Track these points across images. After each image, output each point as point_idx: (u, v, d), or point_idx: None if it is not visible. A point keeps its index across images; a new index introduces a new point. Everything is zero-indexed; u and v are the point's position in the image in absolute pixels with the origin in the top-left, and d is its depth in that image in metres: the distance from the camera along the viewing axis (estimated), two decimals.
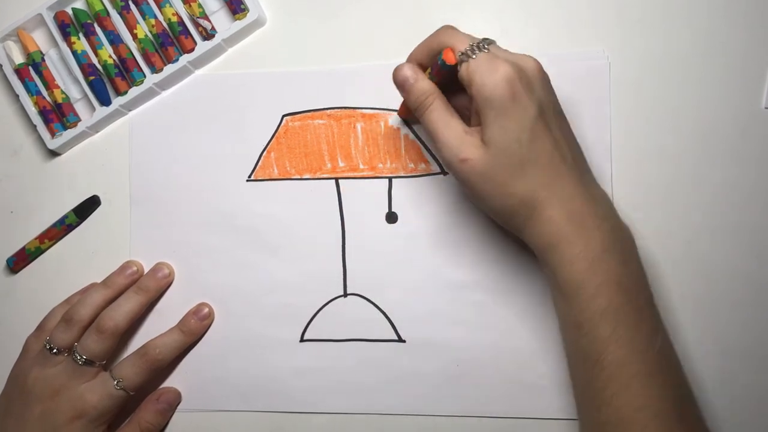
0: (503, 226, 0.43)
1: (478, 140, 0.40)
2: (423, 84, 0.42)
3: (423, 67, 0.43)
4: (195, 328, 0.50)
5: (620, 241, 0.41)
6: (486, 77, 0.38)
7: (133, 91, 0.51)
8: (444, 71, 0.41)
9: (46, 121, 0.52)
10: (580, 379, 0.40)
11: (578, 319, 0.39)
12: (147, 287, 0.50)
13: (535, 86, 0.40)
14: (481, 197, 0.41)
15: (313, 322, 0.50)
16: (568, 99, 0.48)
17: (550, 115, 0.40)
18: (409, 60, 0.44)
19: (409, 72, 0.43)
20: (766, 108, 0.47)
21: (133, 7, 0.52)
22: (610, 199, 0.43)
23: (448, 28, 0.42)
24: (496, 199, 0.40)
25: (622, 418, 0.37)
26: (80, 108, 0.53)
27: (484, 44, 0.40)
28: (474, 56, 0.39)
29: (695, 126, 0.48)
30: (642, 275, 0.41)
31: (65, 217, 0.53)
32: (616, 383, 0.37)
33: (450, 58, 0.40)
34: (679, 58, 0.48)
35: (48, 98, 0.53)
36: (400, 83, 0.43)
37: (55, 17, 0.52)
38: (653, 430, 0.36)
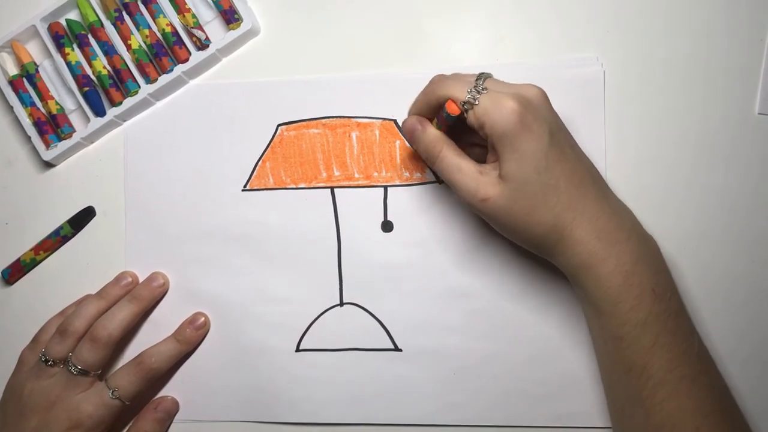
0: (535, 253, 0.43)
1: (495, 177, 0.41)
2: (430, 134, 0.43)
3: (427, 118, 0.44)
4: (191, 338, 0.50)
5: (649, 249, 0.41)
6: (494, 116, 0.39)
7: (128, 102, 0.51)
8: (450, 122, 0.42)
9: (41, 133, 0.52)
10: (623, 388, 0.40)
11: (618, 332, 0.39)
12: (141, 296, 0.50)
13: (542, 113, 0.40)
14: (508, 230, 0.42)
15: (309, 331, 0.50)
16: (562, 106, 0.48)
17: (561, 137, 0.41)
18: (410, 114, 0.45)
19: (415, 123, 0.44)
20: (759, 114, 0.47)
21: (127, 17, 0.52)
22: (630, 209, 0.43)
23: (441, 79, 0.43)
24: (523, 229, 0.41)
25: (675, 422, 0.38)
26: (75, 119, 0.53)
27: (481, 84, 0.41)
28: (476, 102, 0.40)
29: (689, 132, 0.48)
30: (671, 280, 0.42)
31: (60, 228, 0.52)
32: (665, 389, 0.38)
33: (454, 110, 0.41)
34: (672, 65, 0.48)
35: (42, 109, 0.53)
36: (408, 135, 0.45)
37: (49, 28, 0.52)
38: (706, 429, 0.38)
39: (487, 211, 0.41)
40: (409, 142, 0.45)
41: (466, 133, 0.43)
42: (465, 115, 0.41)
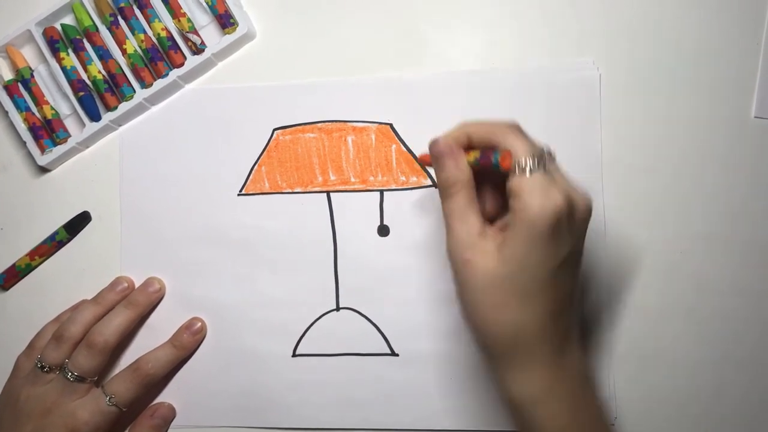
0: (481, 352, 0.40)
1: (492, 247, 0.37)
2: (460, 168, 0.38)
3: (464, 146, 0.39)
4: (187, 343, 0.50)
5: (589, 385, 0.40)
6: (535, 201, 0.35)
7: (123, 107, 0.51)
8: (492, 170, 0.38)
9: (36, 138, 0.52)
10: None
11: None
12: (137, 302, 0.50)
13: (578, 228, 0.37)
14: (470, 309, 0.38)
15: (305, 336, 0.50)
16: (558, 110, 0.48)
17: (573, 261, 0.38)
18: (461, 129, 0.39)
19: (451, 149, 0.39)
20: (755, 117, 0.47)
21: (122, 22, 0.52)
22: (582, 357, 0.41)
23: (511, 128, 0.38)
24: (484, 318, 0.37)
25: None
26: (70, 124, 0.53)
27: (545, 160, 0.36)
28: (530, 173, 0.36)
29: (686, 136, 0.48)
30: (602, 412, 0.40)
31: (56, 233, 0.52)
32: None
33: (506, 165, 0.37)
34: (668, 69, 0.48)
35: (37, 114, 0.53)
36: (435, 156, 0.39)
37: (44, 33, 0.52)
38: None
39: (463, 275, 0.37)
40: (430, 161, 0.40)
41: (484, 182, 0.40)
42: (511, 176, 0.36)
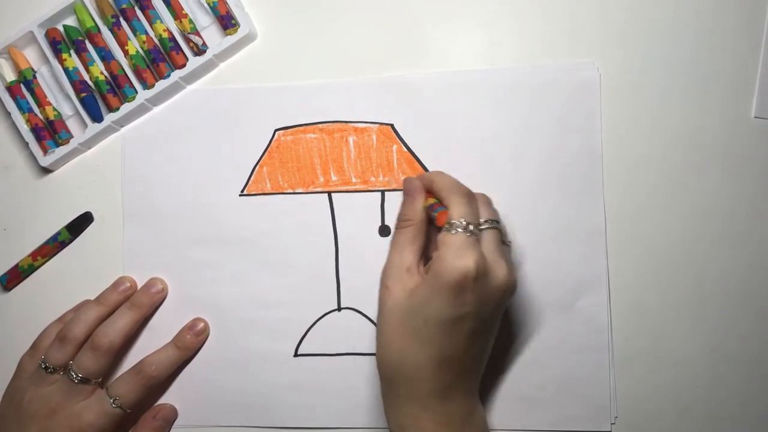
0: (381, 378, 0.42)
1: (411, 283, 0.40)
2: (415, 209, 0.43)
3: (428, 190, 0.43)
4: (190, 344, 0.50)
5: None
6: (448, 256, 0.38)
7: (125, 107, 0.51)
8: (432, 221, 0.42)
9: (38, 138, 0.52)
10: None
11: None
12: (141, 303, 0.50)
13: (486, 297, 0.39)
14: (377, 331, 0.41)
15: (307, 336, 0.50)
16: (559, 110, 0.48)
17: (476, 325, 0.40)
18: (431, 177, 0.43)
19: (417, 190, 0.43)
20: (755, 117, 0.47)
21: (124, 23, 0.52)
22: (476, 405, 0.43)
23: (466, 195, 0.41)
24: (382, 343, 0.41)
25: None
26: (72, 125, 0.53)
27: (479, 229, 0.40)
28: (454, 232, 0.39)
29: (686, 135, 0.48)
30: None
31: (58, 233, 0.52)
32: None
33: (441, 221, 0.40)
34: (669, 69, 0.48)
35: (40, 115, 0.53)
36: (405, 192, 0.44)
37: (47, 34, 0.52)
38: None
39: (380, 299, 0.41)
40: (404, 195, 0.44)
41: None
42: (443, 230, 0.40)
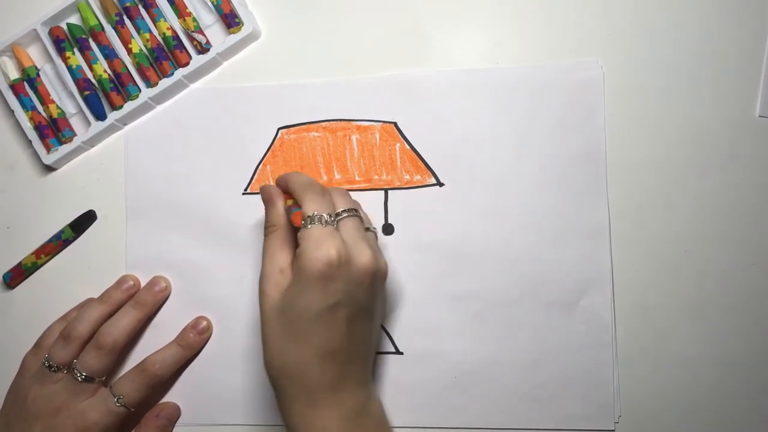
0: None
1: (285, 283, 0.41)
2: (277, 213, 0.43)
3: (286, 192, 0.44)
4: (193, 342, 0.50)
5: (365, 423, 0.42)
6: (308, 249, 0.39)
7: (129, 106, 0.51)
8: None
9: (42, 137, 0.52)
10: None
11: None
12: (144, 301, 0.50)
13: (354, 283, 0.40)
14: (262, 338, 0.41)
15: None
16: (562, 109, 0.48)
17: (356, 313, 0.40)
18: (287, 179, 0.44)
19: (273, 195, 0.44)
20: (760, 116, 0.47)
21: (127, 21, 0.52)
22: (369, 395, 0.43)
23: (317, 190, 0.42)
24: (264, 345, 0.41)
25: None
26: (75, 123, 0.53)
27: (333, 218, 0.41)
28: (310, 226, 0.40)
29: (690, 135, 0.48)
30: None
31: (61, 231, 0.52)
32: None
33: (296, 222, 0.41)
34: (672, 68, 0.48)
35: (43, 113, 0.53)
36: (264, 201, 0.45)
37: (50, 32, 0.52)
38: None
39: (260, 305, 0.41)
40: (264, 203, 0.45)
41: None
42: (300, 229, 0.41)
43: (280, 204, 0.44)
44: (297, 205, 0.42)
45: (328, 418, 0.40)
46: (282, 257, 0.42)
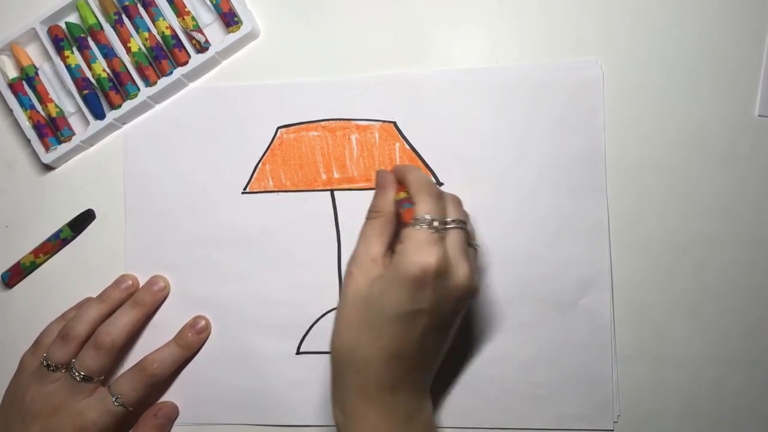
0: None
1: (374, 273, 0.40)
2: (386, 201, 0.43)
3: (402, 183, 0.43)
4: (192, 342, 0.50)
5: (413, 429, 0.41)
6: (410, 250, 0.39)
7: (127, 105, 0.51)
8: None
9: (40, 136, 0.52)
10: None
11: None
12: (143, 301, 0.50)
13: (445, 295, 0.39)
14: (336, 318, 0.41)
15: (309, 334, 0.50)
16: (562, 108, 0.48)
17: (434, 325, 0.40)
18: (405, 171, 0.43)
19: (390, 182, 0.43)
20: (759, 116, 0.47)
21: (126, 20, 0.52)
22: (424, 403, 0.43)
23: (434, 194, 0.41)
24: (337, 328, 0.41)
25: None
26: (74, 122, 0.53)
27: (444, 227, 0.40)
28: (419, 227, 0.40)
29: (689, 134, 0.48)
30: None
31: (60, 231, 0.52)
32: None
33: (406, 218, 0.41)
34: (672, 67, 0.48)
35: (42, 112, 0.53)
36: (377, 185, 0.44)
37: (49, 31, 0.52)
38: None
39: (344, 283, 0.41)
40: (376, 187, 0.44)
41: None
42: (406, 225, 0.40)
43: (391, 193, 0.43)
44: (409, 200, 0.42)
45: (382, 415, 0.40)
46: (377, 246, 0.41)
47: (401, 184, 0.43)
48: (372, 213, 0.43)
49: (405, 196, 0.42)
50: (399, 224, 0.42)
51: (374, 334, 0.39)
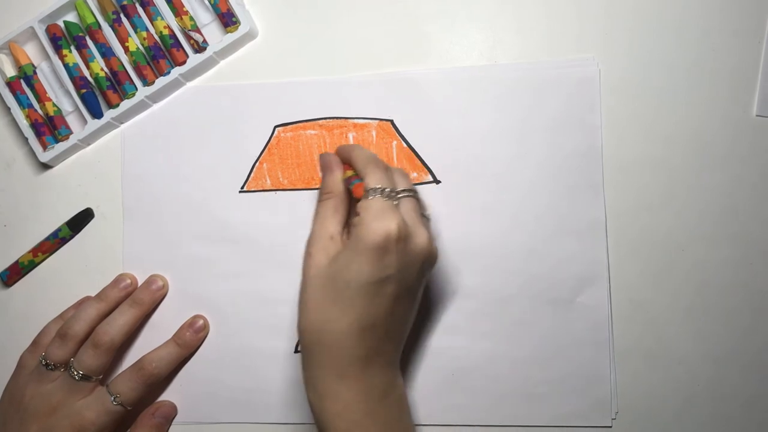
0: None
1: (333, 250, 0.41)
2: (334, 181, 0.43)
3: (346, 163, 0.44)
4: (190, 341, 0.50)
5: (388, 406, 0.41)
6: (369, 219, 0.39)
7: (125, 104, 0.51)
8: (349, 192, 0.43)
9: (38, 134, 0.52)
10: None
11: None
12: (141, 300, 0.50)
13: (408, 261, 0.40)
14: (299, 298, 0.41)
15: None
16: (559, 106, 0.48)
17: (402, 292, 0.40)
18: (349, 150, 0.44)
19: (332, 163, 0.44)
20: (757, 115, 0.47)
21: (124, 20, 0.52)
22: (396, 378, 0.43)
23: (380, 166, 0.42)
24: (303, 309, 0.41)
25: None
26: (72, 121, 0.53)
27: (395, 194, 0.41)
28: (372, 197, 0.40)
29: (687, 133, 0.48)
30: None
31: (58, 230, 0.52)
32: None
33: (358, 193, 0.41)
34: (669, 66, 0.48)
35: (40, 111, 0.53)
36: (322, 167, 0.45)
37: (47, 30, 0.52)
38: None
39: (303, 266, 0.41)
40: (320, 171, 0.45)
41: None
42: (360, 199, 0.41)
43: (338, 172, 0.44)
44: (356, 177, 0.42)
45: (355, 391, 0.40)
46: (333, 224, 0.42)
47: (346, 164, 0.44)
48: (323, 195, 0.43)
49: (352, 173, 0.43)
50: (351, 203, 0.43)
51: (342, 309, 0.39)
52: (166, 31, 0.51)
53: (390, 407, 0.41)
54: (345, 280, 0.39)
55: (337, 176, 0.44)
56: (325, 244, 0.41)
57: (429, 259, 0.41)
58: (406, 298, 0.41)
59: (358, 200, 0.41)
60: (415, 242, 0.40)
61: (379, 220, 0.39)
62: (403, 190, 0.42)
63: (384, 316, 0.40)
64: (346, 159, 0.44)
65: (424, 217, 0.43)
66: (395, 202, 0.40)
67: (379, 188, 0.40)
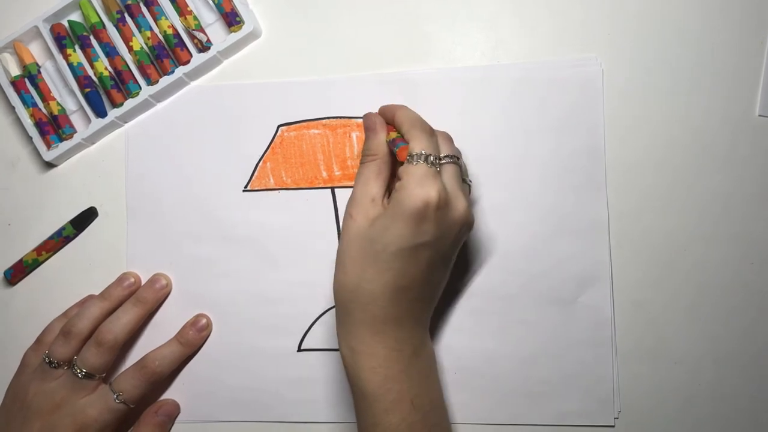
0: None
1: (374, 213, 0.41)
2: (379, 143, 0.43)
3: (390, 124, 0.44)
4: (193, 340, 0.50)
5: (419, 363, 0.42)
6: (410, 184, 0.39)
7: (129, 103, 0.52)
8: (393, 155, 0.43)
9: (42, 133, 0.52)
10: None
11: (371, 429, 0.40)
12: (145, 299, 0.50)
13: (446, 228, 0.40)
14: (337, 257, 0.42)
15: (310, 331, 0.50)
16: (561, 106, 0.48)
17: (433, 254, 0.41)
18: (394, 110, 0.44)
19: (377, 124, 0.44)
20: (760, 115, 0.48)
21: (129, 19, 0.52)
22: (426, 337, 0.44)
23: (426, 130, 0.42)
24: (340, 267, 0.41)
25: None
26: (76, 120, 0.53)
27: (438, 160, 0.41)
28: (416, 163, 0.40)
29: (689, 133, 0.48)
30: (437, 395, 0.43)
31: (62, 228, 0.53)
32: None
33: (402, 156, 0.41)
34: (672, 66, 0.48)
35: (44, 110, 0.53)
36: (366, 128, 0.45)
37: (52, 29, 0.52)
38: None
39: (344, 227, 0.42)
40: (365, 131, 0.45)
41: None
42: (404, 164, 0.41)
43: (382, 134, 0.44)
44: (401, 139, 0.42)
45: (390, 348, 0.40)
46: (375, 187, 0.42)
47: (390, 124, 0.44)
48: (366, 156, 0.44)
49: (396, 135, 0.43)
50: (394, 165, 0.43)
51: (378, 270, 0.40)
52: (170, 31, 0.51)
53: (421, 364, 0.42)
54: (383, 243, 0.39)
55: (381, 138, 0.43)
56: (366, 207, 0.41)
57: (465, 225, 0.42)
58: (440, 263, 0.42)
59: (401, 163, 0.41)
60: (453, 210, 0.40)
61: (420, 187, 0.39)
62: (446, 156, 0.42)
63: (418, 280, 0.41)
64: (389, 119, 0.44)
65: (465, 183, 0.43)
66: (438, 168, 0.41)
67: (424, 154, 0.40)
